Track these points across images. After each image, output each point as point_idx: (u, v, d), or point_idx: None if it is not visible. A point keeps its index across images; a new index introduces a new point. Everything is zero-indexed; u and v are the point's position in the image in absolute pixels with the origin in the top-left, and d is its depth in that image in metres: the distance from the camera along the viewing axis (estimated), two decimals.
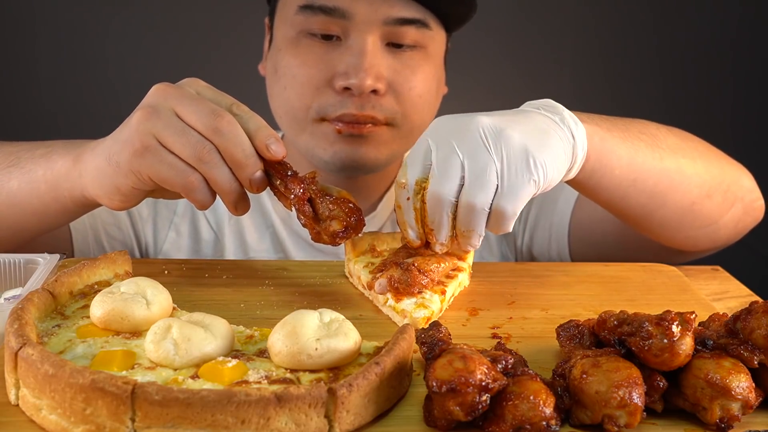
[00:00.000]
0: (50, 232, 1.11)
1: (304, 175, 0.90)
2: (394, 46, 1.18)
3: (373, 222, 1.31)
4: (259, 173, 0.87)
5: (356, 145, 1.18)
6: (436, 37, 1.22)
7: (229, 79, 2.20)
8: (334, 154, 1.19)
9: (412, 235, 0.89)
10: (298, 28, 1.18)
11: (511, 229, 0.88)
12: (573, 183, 1.01)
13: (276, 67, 1.21)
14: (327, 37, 1.17)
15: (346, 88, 1.14)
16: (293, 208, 0.90)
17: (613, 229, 1.21)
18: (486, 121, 0.85)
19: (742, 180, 1.16)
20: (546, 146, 0.86)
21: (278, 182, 0.89)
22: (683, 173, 1.06)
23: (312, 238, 0.93)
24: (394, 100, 1.18)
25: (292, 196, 0.89)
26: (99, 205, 0.98)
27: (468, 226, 0.86)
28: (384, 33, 1.16)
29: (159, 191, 0.93)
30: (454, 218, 0.86)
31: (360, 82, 1.12)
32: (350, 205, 0.91)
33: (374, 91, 1.15)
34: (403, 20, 1.16)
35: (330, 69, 1.16)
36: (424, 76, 1.20)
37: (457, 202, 0.85)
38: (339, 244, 0.91)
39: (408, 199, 0.86)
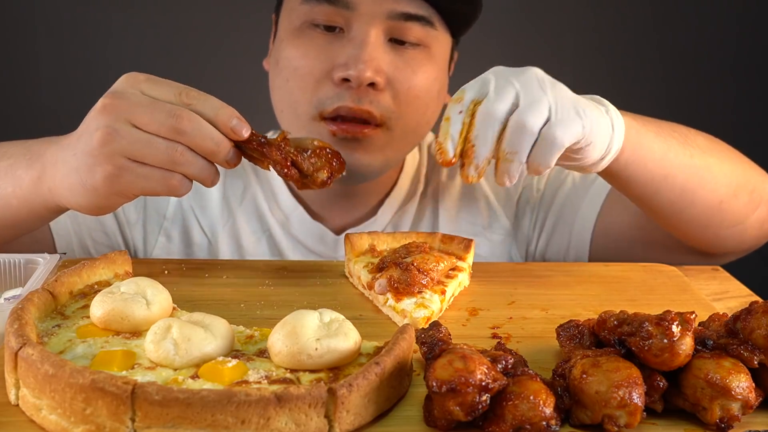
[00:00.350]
0: (31, 235, 1.10)
1: (275, 139, 0.92)
2: (397, 42, 1.16)
3: (372, 227, 1.30)
4: (231, 152, 0.89)
5: (350, 150, 1.15)
6: (440, 38, 1.20)
7: (230, 77, 2.20)
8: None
9: (449, 146, 0.86)
10: (302, 18, 1.17)
11: (552, 165, 0.88)
12: (606, 173, 1.02)
13: (278, 59, 1.20)
14: (330, 29, 1.15)
15: (345, 80, 1.12)
16: (271, 169, 0.92)
17: (641, 236, 1.20)
18: (542, 73, 0.90)
19: (767, 183, 1.18)
20: (591, 111, 0.90)
21: (251, 151, 0.91)
22: (712, 171, 1.08)
23: (298, 188, 0.96)
24: (391, 97, 1.16)
25: (275, 165, 0.91)
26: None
27: (513, 147, 0.86)
28: (387, 27, 1.14)
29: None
30: (499, 141, 0.86)
31: (359, 74, 1.11)
32: (328, 151, 0.95)
33: (373, 85, 1.13)
34: (407, 15, 1.14)
35: (330, 60, 1.14)
36: (424, 77, 1.18)
37: (506, 124, 0.86)
38: (329, 186, 0.96)
39: (460, 112, 0.86)
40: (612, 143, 0.94)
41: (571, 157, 0.92)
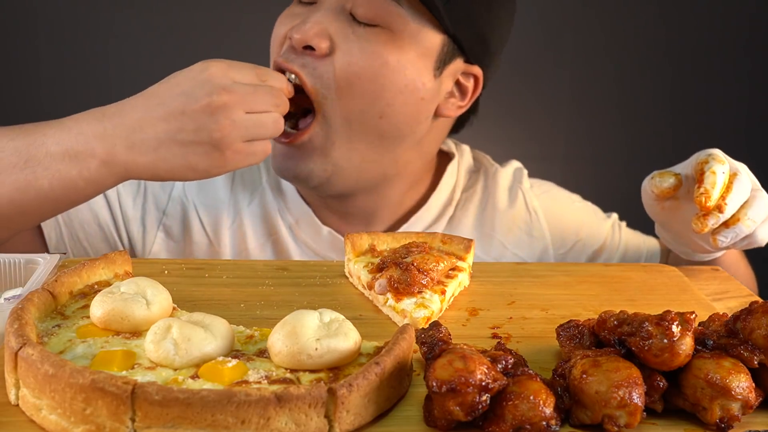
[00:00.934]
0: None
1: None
2: (356, 21, 1.12)
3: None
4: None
5: (292, 154, 1.16)
6: (410, 24, 1.11)
7: None
8: (278, 167, 1.19)
9: (716, 194, 0.96)
10: None
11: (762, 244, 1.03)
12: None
13: None
14: (307, 3, 1.17)
15: (291, 45, 1.13)
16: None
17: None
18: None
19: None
20: None
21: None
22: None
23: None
24: (330, 70, 1.11)
25: None
26: None
27: (756, 217, 0.98)
28: (350, 2, 1.12)
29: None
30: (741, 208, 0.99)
31: (300, 34, 1.10)
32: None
33: (310, 48, 1.11)
34: None
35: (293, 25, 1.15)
36: (376, 58, 1.11)
37: (749, 198, 0.99)
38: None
39: (723, 173, 0.97)
40: None
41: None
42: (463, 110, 1.25)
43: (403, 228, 1.29)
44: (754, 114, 2.46)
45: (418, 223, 1.30)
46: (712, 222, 0.97)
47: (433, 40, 1.14)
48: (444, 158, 1.36)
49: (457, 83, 1.22)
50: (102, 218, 1.26)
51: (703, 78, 2.42)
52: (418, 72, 1.14)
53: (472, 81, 1.22)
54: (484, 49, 1.20)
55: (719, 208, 0.97)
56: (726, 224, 0.98)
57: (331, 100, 1.13)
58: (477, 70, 1.21)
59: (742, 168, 1.00)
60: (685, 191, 1.03)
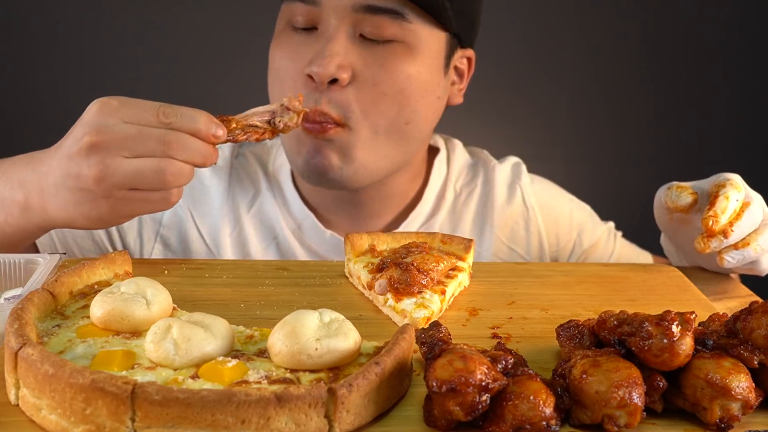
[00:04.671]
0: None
1: (244, 126, 1.00)
2: (370, 41, 1.13)
3: None
4: (216, 154, 0.96)
5: (316, 151, 1.15)
6: (421, 33, 1.14)
7: (230, 77, 2.20)
8: (304, 160, 1.17)
9: (724, 219, 0.98)
10: (284, 19, 1.17)
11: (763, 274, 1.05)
12: None
13: (269, 63, 1.21)
14: (308, 29, 1.15)
15: (311, 78, 1.11)
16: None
17: None
18: None
19: None
20: None
21: (235, 137, 0.99)
22: None
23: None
24: (354, 95, 1.12)
25: (259, 136, 1.02)
26: None
27: (764, 245, 1.00)
28: (355, 21, 1.12)
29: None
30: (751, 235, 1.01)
31: (321, 69, 1.09)
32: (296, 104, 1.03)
33: (336, 81, 1.11)
34: (373, 8, 1.10)
35: (303, 59, 1.13)
36: (397, 73, 1.13)
37: (759, 226, 1.01)
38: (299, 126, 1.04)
39: (737, 200, 0.99)
40: None
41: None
42: (464, 92, 1.29)
43: (404, 223, 1.30)
44: (755, 115, 2.46)
45: (417, 219, 1.31)
46: (715, 245, 0.99)
47: (440, 40, 1.18)
48: (431, 152, 1.38)
49: (455, 69, 1.26)
50: (95, 232, 1.26)
51: (703, 79, 2.42)
52: (433, 74, 1.18)
53: (466, 62, 1.28)
54: (474, 31, 1.26)
55: (725, 233, 0.98)
56: (735, 246, 1.00)
57: (356, 118, 1.14)
58: (470, 52, 1.27)
59: (757, 198, 1.02)
60: (697, 208, 1.04)
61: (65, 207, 0.94)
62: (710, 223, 0.97)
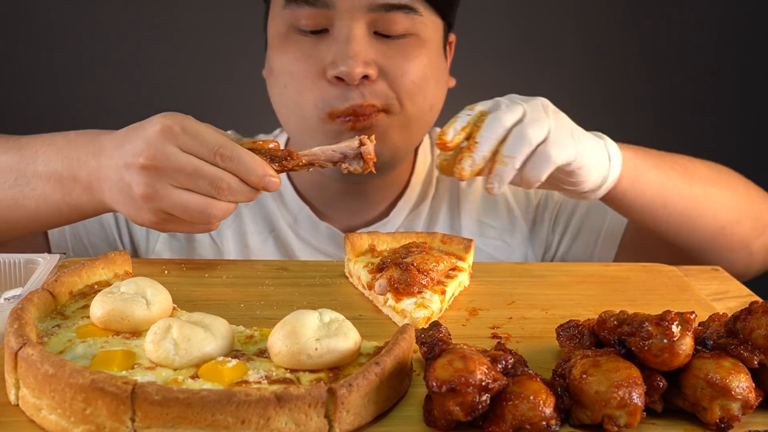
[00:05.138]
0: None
1: (287, 153, 0.97)
2: (384, 36, 1.15)
3: (385, 229, 1.29)
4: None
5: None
6: (428, 24, 1.18)
7: (233, 77, 2.20)
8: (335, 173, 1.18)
9: (451, 132, 0.96)
10: (286, 23, 1.17)
11: (542, 179, 0.98)
12: (606, 199, 1.12)
13: (272, 67, 1.20)
14: (316, 32, 1.15)
15: (339, 78, 1.12)
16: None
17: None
18: (549, 102, 1.02)
19: None
20: (587, 140, 1.02)
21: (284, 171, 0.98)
22: (712, 200, 1.16)
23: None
24: (387, 86, 1.15)
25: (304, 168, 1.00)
26: None
27: (511, 152, 0.95)
28: (370, 20, 1.13)
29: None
30: (499, 146, 0.96)
31: (349, 69, 1.10)
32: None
33: (366, 77, 1.12)
34: (388, 6, 1.13)
35: (320, 61, 1.14)
36: (417, 63, 1.16)
37: (508, 134, 0.96)
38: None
39: (468, 115, 0.97)
40: (609, 173, 1.05)
41: (566, 180, 1.03)
42: None
43: (394, 211, 1.31)
44: (756, 114, 2.46)
45: (406, 206, 1.32)
46: (468, 164, 0.95)
47: (440, 28, 1.23)
48: None
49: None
50: (105, 217, 1.28)
51: (703, 78, 2.42)
52: (440, 60, 1.24)
53: (448, 46, 1.31)
54: (455, 14, 1.29)
55: (470, 148, 0.95)
56: (491, 170, 0.97)
57: (395, 104, 1.16)
58: (452, 36, 1.31)
59: (507, 106, 0.97)
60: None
61: (116, 202, 0.97)
62: (438, 140, 0.96)
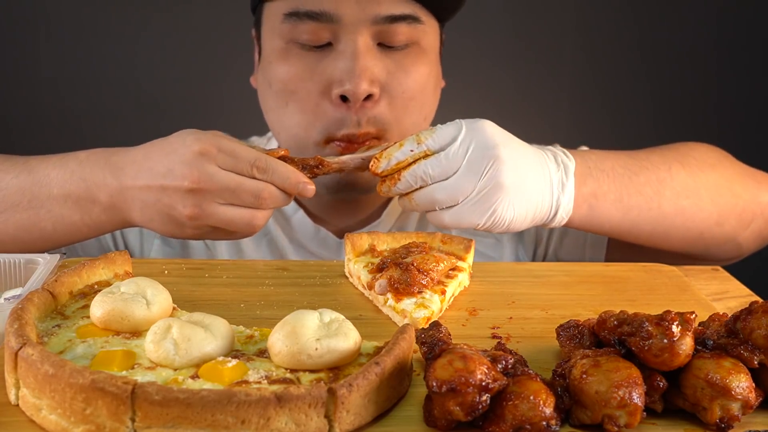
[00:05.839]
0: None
1: (316, 161, 1.02)
2: (387, 46, 1.14)
3: (376, 230, 1.28)
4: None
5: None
6: (428, 31, 1.18)
7: (231, 80, 2.20)
8: (334, 177, 1.17)
9: (384, 164, 0.99)
10: (286, 37, 1.14)
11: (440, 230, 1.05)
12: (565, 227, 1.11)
13: (270, 81, 1.17)
14: (318, 47, 1.13)
15: (343, 98, 1.11)
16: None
17: None
18: (500, 156, 0.96)
19: (761, 196, 1.19)
20: (522, 199, 0.98)
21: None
22: (684, 214, 1.13)
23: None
24: (387, 105, 1.14)
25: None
26: None
27: (417, 201, 0.99)
28: (375, 33, 1.12)
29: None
30: (413, 191, 0.99)
31: (354, 88, 1.09)
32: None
33: (369, 97, 1.12)
34: (392, 17, 1.12)
35: (325, 77, 1.13)
36: (418, 76, 1.16)
37: (424, 186, 0.98)
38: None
39: (411, 151, 0.98)
40: (550, 220, 1.04)
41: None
42: None
43: (385, 211, 1.31)
44: (756, 113, 2.46)
45: (397, 208, 1.31)
46: (385, 189, 1.00)
47: (437, 31, 1.22)
48: None
49: None
50: None
51: (704, 77, 2.42)
52: (437, 65, 1.24)
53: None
54: (454, 14, 1.27)
55: (393, 178, 0.99)
56: (407, 195, 1.00)
57: (390, 128, 1.16)
58: (443, 35, 1.29)
59: (447, 157, 0.96)
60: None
61: (150, 221, 1.00)
62: (371, 165, 1.00)
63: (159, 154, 0.98)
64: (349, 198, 1.27)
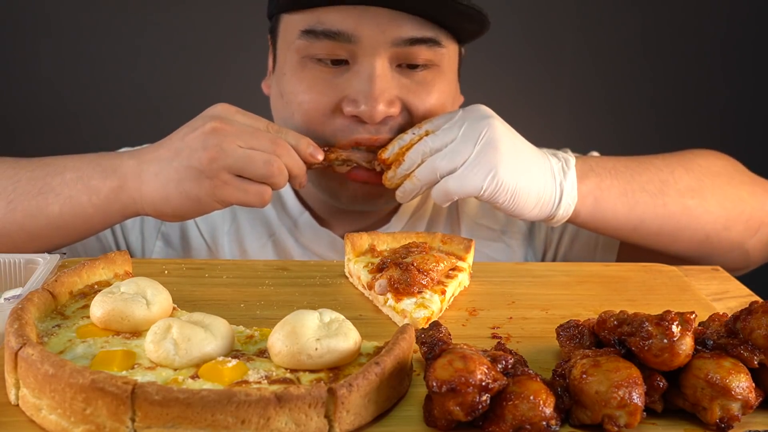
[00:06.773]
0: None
1: (331, 154, 1.11)
2: (406, 67, 1.13)
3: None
4: (306, 176, 1.08)
5: (368, 197, 1.17)
6: (448, 53, 1.17)
7: (232, 79, 2.20)
8: (350, 194, 1.17)
9: (389, 152, 1.07)
10: (302, 53, 1.13)
11: (443, 205, 1.08)
12: (573, 224, 1.14)
13: (282, 92, 1.17)
14: (335, 62, 1.12)
15: (356, 117, 1.10)
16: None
17: None
18: (496, 125, 1.04)
19: (767, 204, 1.20)
20: (525, 175, 1.03)
21: (325, 167, 1.12)
22: (691, 214, 1.14)
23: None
24: (405, 120, 1.13)
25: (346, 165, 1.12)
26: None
27: (419, 176, 1.05)
28: (393, 55, 1.11)
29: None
30: (416, 168, 1.05)
31: (370, 111, 1.08)
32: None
33: (388, 117, 1.11)
34: (413, 40, 1.10)
35: (338, 94, 1.11)
36: (438, 95, 1.15)
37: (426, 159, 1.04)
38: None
39: (414, 133, 1.07)
40: (555, 210, 1.07)
41: (494, 204, 1.05)
42: None
43: (395, 218, 1.30)
44: (757, 112, 2.46)
45: (406, 212, 1.31)
46: (390, 175, 1.07)
47: (456, 51, 1.22)
48: None
49: None
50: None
51: (704, 77, 2.42)
52: (455, 84, 1.25)
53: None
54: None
55: (397, 162, 1.06)
56: (408, 178, 1.06)
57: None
58: (463, 51, 1.29)
59: (445, 131, 1.04)
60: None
61: (164, 186, 1.02)
62: (379, 153, 1.08)
63: (182, 130, 1.04)
64: (362, 210, 1.26)
